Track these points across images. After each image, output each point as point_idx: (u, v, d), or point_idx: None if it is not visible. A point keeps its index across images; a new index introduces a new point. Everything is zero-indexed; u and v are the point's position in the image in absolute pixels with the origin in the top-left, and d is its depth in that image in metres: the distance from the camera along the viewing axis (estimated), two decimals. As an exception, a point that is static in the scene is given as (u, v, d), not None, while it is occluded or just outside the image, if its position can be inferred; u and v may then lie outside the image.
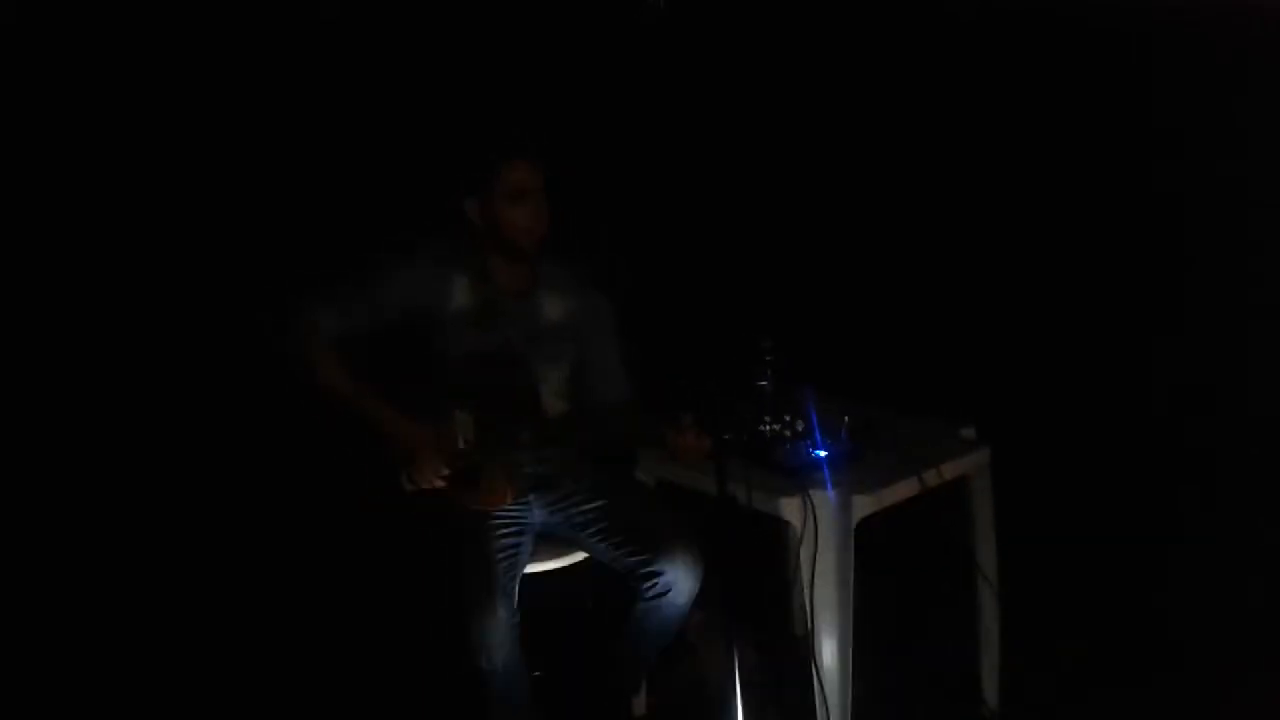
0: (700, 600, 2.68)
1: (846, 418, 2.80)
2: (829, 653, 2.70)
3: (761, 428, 2.47)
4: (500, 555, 2.62)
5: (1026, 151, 4.02)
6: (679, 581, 2.63)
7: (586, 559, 2.84)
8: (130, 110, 3.83)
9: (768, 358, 2.63)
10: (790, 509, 2.67)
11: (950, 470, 2.88)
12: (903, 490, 2.78)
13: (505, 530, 2.70)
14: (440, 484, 2.65)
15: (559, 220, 2.72)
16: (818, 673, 2.70)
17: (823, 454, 2.74)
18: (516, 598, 2.61)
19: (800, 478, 2.69)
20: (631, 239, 3.73)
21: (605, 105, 3.86)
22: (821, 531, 2.64)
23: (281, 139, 3.90)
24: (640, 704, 3.04)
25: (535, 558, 2.77)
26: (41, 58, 3.77)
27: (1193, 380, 3.71)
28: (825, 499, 2.66)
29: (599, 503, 2.78)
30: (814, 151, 4.14)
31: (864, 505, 2.70)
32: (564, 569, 2.84)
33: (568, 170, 2.75)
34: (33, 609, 3.35)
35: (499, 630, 2.51)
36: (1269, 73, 3.55)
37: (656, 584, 2.64)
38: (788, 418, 2.47)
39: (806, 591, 2.67)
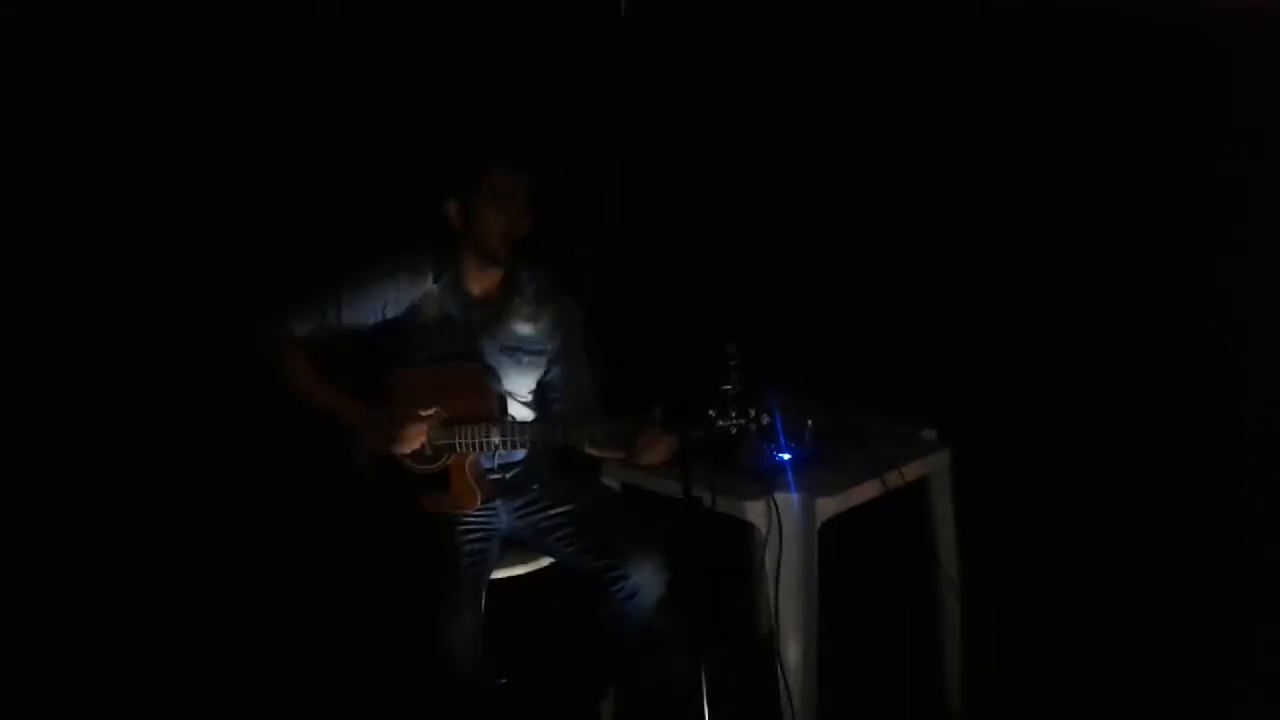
0: (667, 603, 2.69)
1: (810, 421, 2.83)
2: (794, 653, 2.72)
3: (724, 423, 2.49)
4: (467, 560, 2.62)
5: (988, 153, 4.05)
6: (645, 585, 2.65)
7: (553, 564, 2.85)
8: (108, 115, 3.82)
9: (732, 361, 2.65)
10: (755, 512, 2.70)
11: (912, 471, 2.91)
12: (865, 492, 2.81)
13: (472, 535, 2.70)
14: (422, 440, 2.66)
15: (535, 227, 2.74)
16: (783, 673, 2.72)
17: (787, 457, 2.77)
18: (483, 603, 2.61)
19: (765, 481, 2.71)
20: (599, 243, 3.73)
21: (575, 110, 3.87)
22: (786, 534, 2.66)
23: (265, 141, 3.89)
24: (608, 708, 3.05)
25: (502, 563, 2.77)
26: (28, 59, 3.75)
27: (1155, 379, 3.75)
28: (789, 502, 2.68)
29: (565, 507, 2.79)
30: (777, 155, 4.16)
31: (827, 508, 2.72)
32: (530, 574, 2.85)
33: (544, 176, 2.77)
34: (26, 606, 3.33)
35: (465, 635, 2.51)
36: (1267, 73, 3.57)
37: (623, 588, 2.65)
38: (752, 411, 2.49)
39: (771, 593, 2.69)
